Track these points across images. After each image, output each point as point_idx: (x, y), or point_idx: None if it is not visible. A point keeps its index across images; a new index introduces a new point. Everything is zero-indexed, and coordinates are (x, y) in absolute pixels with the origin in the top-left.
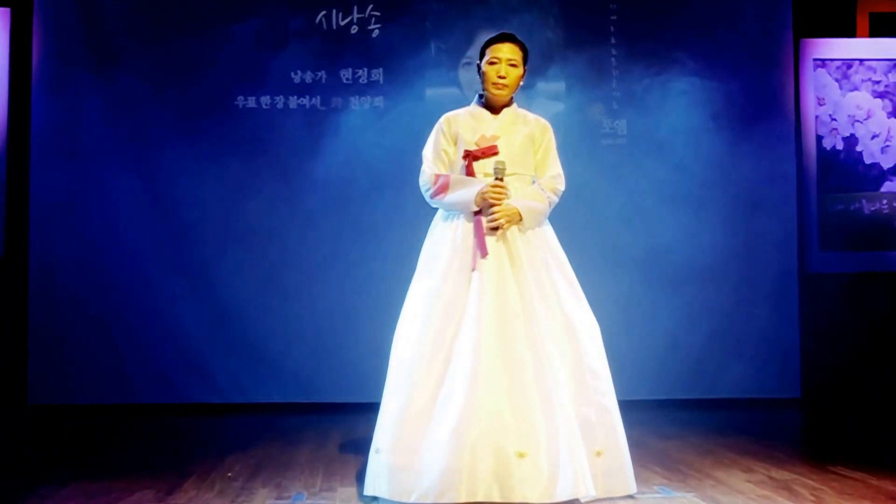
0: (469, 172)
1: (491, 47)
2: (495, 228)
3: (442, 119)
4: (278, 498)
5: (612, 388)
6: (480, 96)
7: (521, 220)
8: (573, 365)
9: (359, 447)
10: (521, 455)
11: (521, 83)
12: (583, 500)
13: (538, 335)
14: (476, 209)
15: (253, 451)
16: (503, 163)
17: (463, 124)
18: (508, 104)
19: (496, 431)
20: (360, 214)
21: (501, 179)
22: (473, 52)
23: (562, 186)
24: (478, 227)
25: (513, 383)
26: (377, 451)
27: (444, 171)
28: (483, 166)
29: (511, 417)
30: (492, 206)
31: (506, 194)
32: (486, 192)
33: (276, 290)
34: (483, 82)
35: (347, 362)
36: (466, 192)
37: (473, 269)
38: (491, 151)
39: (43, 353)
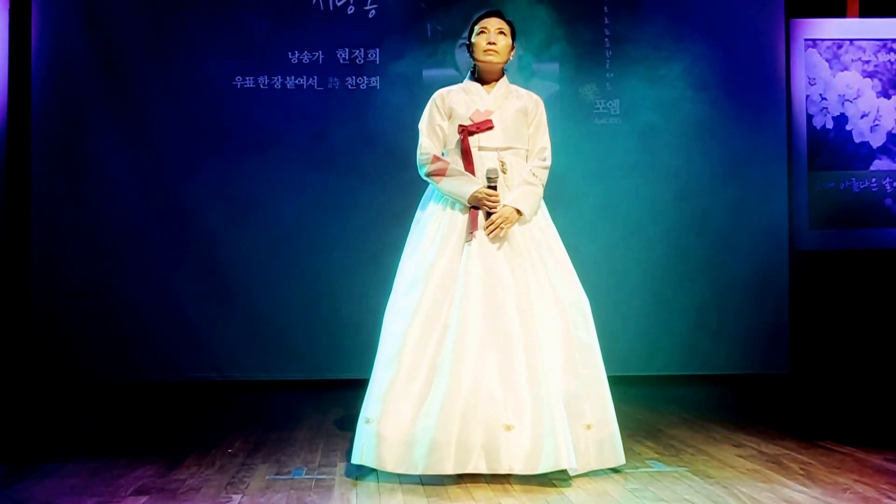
0: (465, 147)
1: (479, 23)
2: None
3: (436, 94)
4: (278, 473)
5: (601, 362)
6: (472, 72)
7: (520, 215)
8: (562, 339)
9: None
10: (509, 427)
11: (512, 57)
12: (572, 474)
13: (528, 309)
14: (469, 206)
15: (253, 427)
16: (495, 170)
17: (456, 100)
18: (500, 77)
19: (485, 404)
20: (358, 192)
21: (495, 188)
22: None
23: (549, 160)
24: (472, 210)
25: (501, 356)
26: (367, 422)
27: (438, 146)
28: (478, 140)
29: (499, 390)
30: (487, 207)
31: (500, 200)
32: (480, 199)
33: (276, 268)
34: (474, 55)
35: (348, 339)
36: (461, 188)
37: (468, 240)
38: (486, 126)
39: (43, 332)
